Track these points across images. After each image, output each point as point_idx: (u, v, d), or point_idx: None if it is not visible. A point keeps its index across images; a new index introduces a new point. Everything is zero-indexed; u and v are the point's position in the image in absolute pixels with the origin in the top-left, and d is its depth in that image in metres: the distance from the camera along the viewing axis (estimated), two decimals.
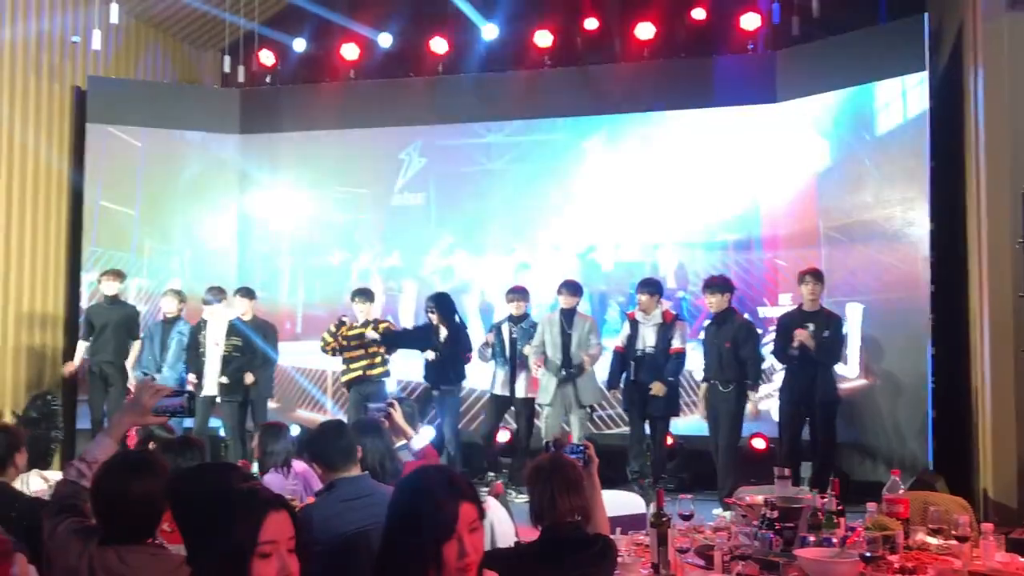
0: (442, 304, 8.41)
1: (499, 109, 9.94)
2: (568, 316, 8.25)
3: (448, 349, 8.32)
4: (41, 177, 9.41)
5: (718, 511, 6.41)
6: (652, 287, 8.04)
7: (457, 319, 8.48)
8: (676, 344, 7.88)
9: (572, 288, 8.32)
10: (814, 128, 8.85)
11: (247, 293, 8.92)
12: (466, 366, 8.50)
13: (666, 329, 7.90)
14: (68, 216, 9.72)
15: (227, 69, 9.97)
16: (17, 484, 5.48)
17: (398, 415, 4.88)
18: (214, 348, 8.74)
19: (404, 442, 5.15)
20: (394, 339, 8.61)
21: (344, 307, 9.17)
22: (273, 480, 5.42)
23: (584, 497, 3.28)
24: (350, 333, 8.68)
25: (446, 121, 10.08)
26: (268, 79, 10.50)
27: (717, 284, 7.81)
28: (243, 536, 1.98)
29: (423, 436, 4.59)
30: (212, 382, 8.72)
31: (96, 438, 3.09)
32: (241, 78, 10.00)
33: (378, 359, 8.66)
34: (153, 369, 8.75)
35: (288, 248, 10.43)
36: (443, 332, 8.35)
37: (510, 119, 9.95)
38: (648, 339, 7.91)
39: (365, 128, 10.26)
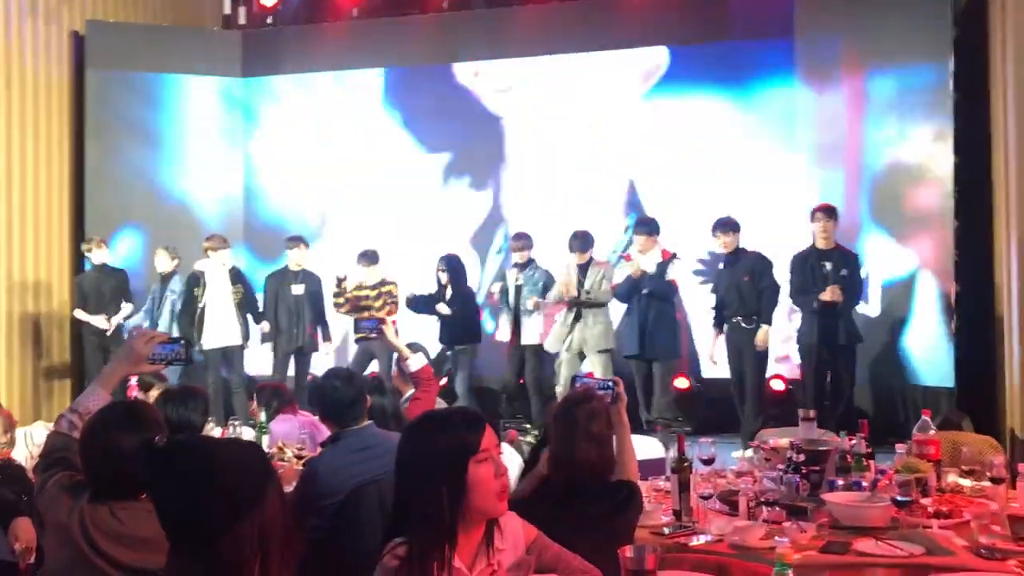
0: (452, 265, 8.39)
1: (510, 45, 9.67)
2: (582, 268, 8.10)
3: (458, 308, 8.32)
4: (41, 127, 9.21)
5: (737, 454, 6.32)
6: (649, 227, 7.86)
7: (466, 281, 8.51)
8: (671, 276, 7.74)
9: (583, 240, 8.09)
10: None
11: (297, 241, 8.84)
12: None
13: (664, 267, 7.74)
14: (70, 168, 9.54)
15: (227, 11, 9.74)
16: (21, 436, 5.43)
17: (390, 332, 4.72)
18: (216, 299, 8.53)
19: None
20: (415, 305, 8.50)
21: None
22: (280, 427, 5.31)
23: (608, 437, 3.13)
24: (360, 293, 8.60)
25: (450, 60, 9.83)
26: (269, 20, 10.25)
27: (726, 224, 7.62)
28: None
29: (419, 358, 4.42)
30: (213, 335, 8.51)
31: (88, 388, 2.93)
32: (243, 20, 9.78)
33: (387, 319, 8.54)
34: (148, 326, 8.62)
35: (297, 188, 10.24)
36: (449, 292, 8.34)
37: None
38: (647, 280, 7.74)
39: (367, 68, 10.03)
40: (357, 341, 8.65)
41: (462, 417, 2.34)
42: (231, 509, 1.77)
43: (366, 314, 8.16)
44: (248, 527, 1.78)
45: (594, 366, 7.93)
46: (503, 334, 8.62)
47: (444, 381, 8.21)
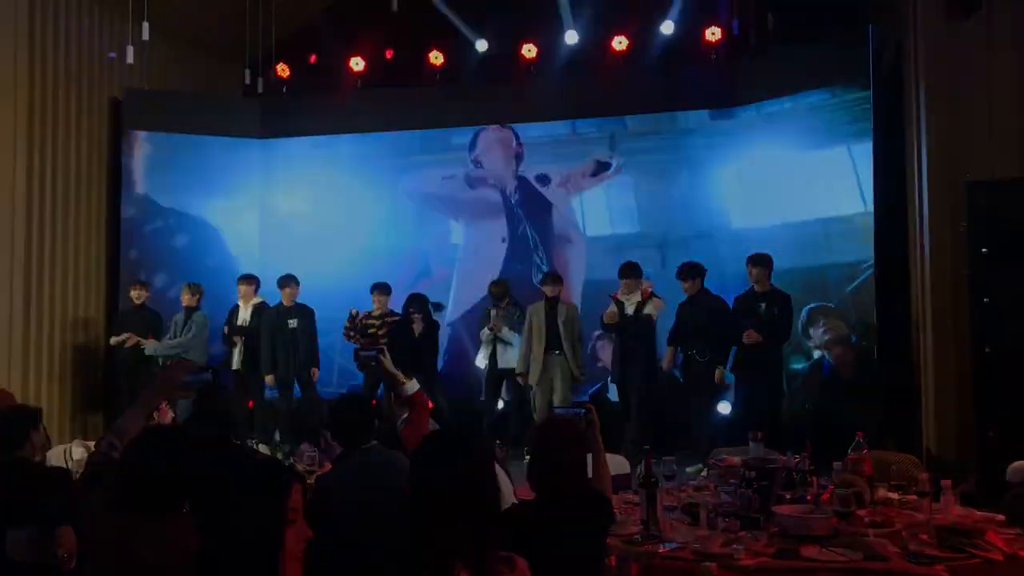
0: (421, 303, 8.48)
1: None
2: (552, 303, 8.10)
3: (425, 341, 8.41)
4: (83, 183, 9.12)
5: (692, 469, 6.29)
6: (634, 271, 7.85)
7: (431, 315, 8.57)
8: (647, 311, 7.71)
9: (553, 278, 8.23)
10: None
11: (289, 280, 8.74)
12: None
13: (643, 304, 7.74)
14: (107, 218, 9.43)
15: (247, 81, 9.72)
16: (59, 453, 5.30)
17: (388, 361, 4.64)
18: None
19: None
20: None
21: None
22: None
23: (582, 458, 3.07)
24: (367, 323, 8.56)
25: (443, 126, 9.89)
26: (284, 89, 10.25)
27: (687, 271, 7.65)
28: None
29: (414, 384, 4.36)
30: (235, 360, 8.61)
31: (126, 412, 2.86)
32: (260, 89, 9.76)
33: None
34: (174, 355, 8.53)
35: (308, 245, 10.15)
36: (419, 327, 8.37)
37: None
38: (629, 315, 7.74)
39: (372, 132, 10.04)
40: (360, 369, 8.56)
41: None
42: None
43: (363, 342, 8.23)
44: None
45: (558, 394, 7.89)
46: (481, 361, 8.61)
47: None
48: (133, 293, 8.69)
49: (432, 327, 8.57)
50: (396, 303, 8.73)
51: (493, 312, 8.52)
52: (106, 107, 9.45)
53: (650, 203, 9.30)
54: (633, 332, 7.69)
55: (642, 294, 7.77)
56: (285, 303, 8.67)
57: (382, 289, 8.67)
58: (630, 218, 9.42)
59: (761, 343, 7.23)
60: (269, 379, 8.61)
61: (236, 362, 8.63)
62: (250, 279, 8.80)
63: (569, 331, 8.05)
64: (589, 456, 3.26)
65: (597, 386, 8.97)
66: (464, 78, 9.93)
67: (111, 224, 9.46)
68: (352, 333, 8.61)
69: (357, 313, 8.62)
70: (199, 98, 10.29)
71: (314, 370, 8.67)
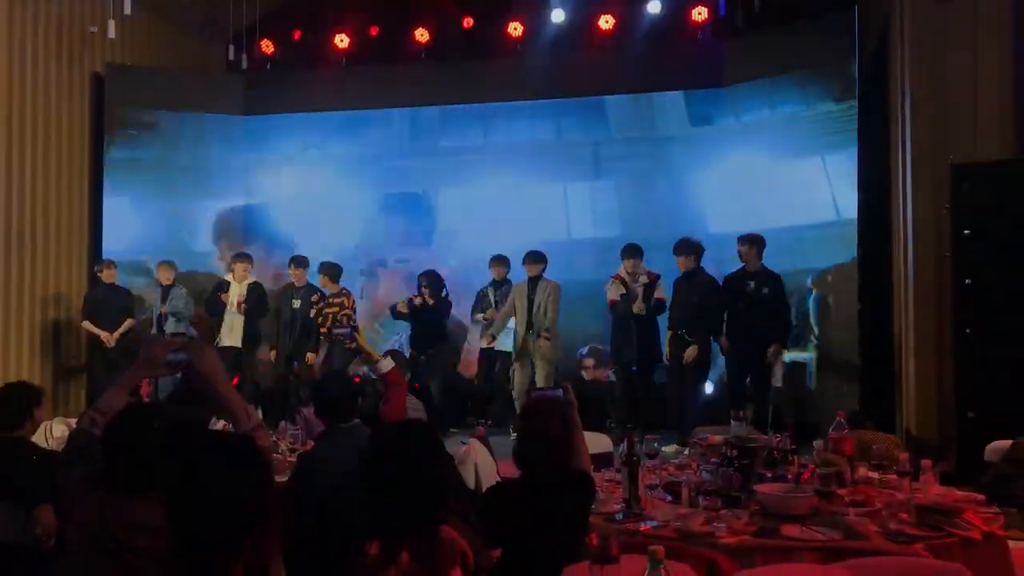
0: (432, 280, 8.34)
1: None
2: (533, 283, 8.07)
3: (434, 317, 8.30)
4: (64, 158, 9.00)
5: (669, 448, 6.29)
6: (638, 251, 7.81)
7: (444, 294, 8.42)
8: (658, 295, 7.70)
9: (534, 257, 8.12)
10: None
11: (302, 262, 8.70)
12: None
13: (651, 287, 7.71)
14: (89, 195, 9.31)
15: (231, 57, 9.61)
16: (40, 431, 5.25)
17: (362, 339, 4.62)
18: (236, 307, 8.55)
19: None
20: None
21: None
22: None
23: (565, 437, 3.05)
24: (328, 311, 8.49)
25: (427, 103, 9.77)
26: (268, 65, 10.12)
27: (683, 247, 7.61)
28: None
29: (387, 362, 4.32)
30: (235, 337, 8.56)
31: (109, 389, 2.82)
32: (244, 65, 9.64)
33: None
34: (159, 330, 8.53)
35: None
36: (431, 302, 8.28)
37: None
38: (637, 295, 7.70)
39: (356, 109, 9.92)
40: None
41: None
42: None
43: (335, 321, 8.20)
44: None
45: (537, 377, 7.89)
46: (478, 340, 8.55)
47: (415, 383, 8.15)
48: (103, 274, 8.57)
49: (444, 305, 8.42)
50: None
51: (492, 293, 8.44)
52: (88, 82, 9.32)
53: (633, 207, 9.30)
54: (645, 315, 7.67)
55: (649, 277, 7.75)
56: (296, 283, 8.65)
57: (327, 270, 8.53)
58: (612, 221, 9.39)
59: (751, 317, 7.21)
60: (271, 355, 8.66)
61: (226, 337, 8.54)
62: (246, 257, 8.76)
63: (546, 311, 7.98)
64: None
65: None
66: (449, 56, 9.82)
67: (92, 200, 9.36)
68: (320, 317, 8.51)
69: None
70: (182, 74, 10.16)
71: (310, 354, 8.57)
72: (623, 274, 7.79)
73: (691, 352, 7.40)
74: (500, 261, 8.51)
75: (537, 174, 9.50)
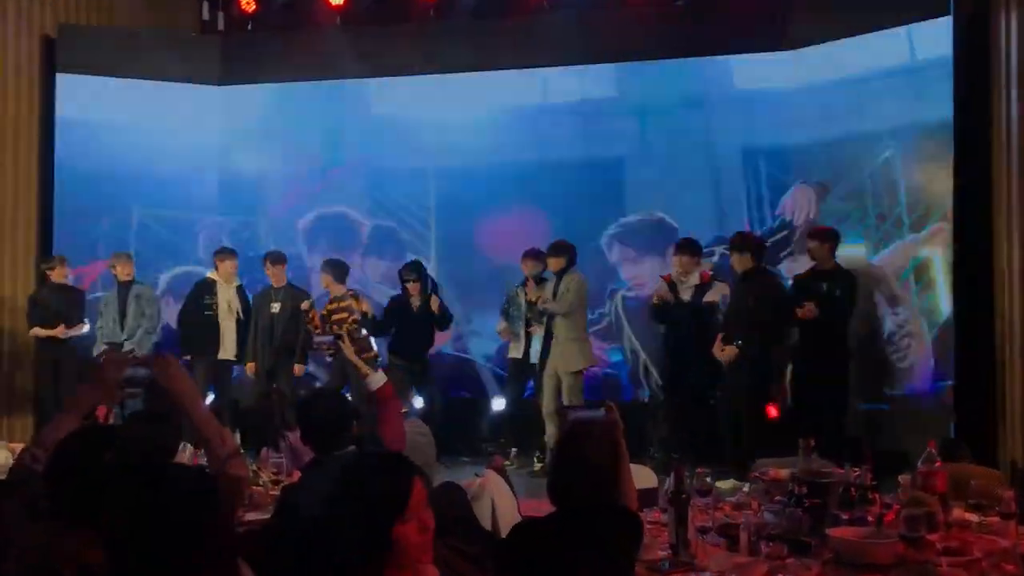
0: (421, 272, 8.44)
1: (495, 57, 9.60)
2: (558, 278, 8.16)
3: (425, 317, 8.36)
4: (7, 136, 9.09)
5: (724, 484, 6.25)
6: (691, 248, 7.81)
7: (432, 287, 8.52)
8: (709, 298, 7.70)
9: (558, 248, 8.18)
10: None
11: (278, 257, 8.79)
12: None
13: (702, 289, 7.73)
14: (38, 176, 9.40)
15: (205, 16, 9.66)
16: None
17: (348, 348, 4.62)
18: (223, 312, 8.67)
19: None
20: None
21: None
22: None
23: (609, 468, 3.05)
24: (334, 314, 8.45)
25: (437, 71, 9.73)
26: (249, 26, 10.16)
27: (738, 243, 7.55)
28: None
29: (380, 376, 4.31)
30: (228, 348, 8.70)
31: (54, 419, 2.83)
32: (221, 25, 9.69)
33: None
34: (117, 339, 8.60)
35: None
36: (417, 301, 8.32)
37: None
38: (685, 300, 7.74)
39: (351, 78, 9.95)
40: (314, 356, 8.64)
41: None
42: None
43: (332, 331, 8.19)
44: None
45: (564, 389, 7.87)
46: (516, 351, 8.42)
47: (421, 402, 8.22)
48: (52, 273, 8.60)
49: (433, 301, 8.43)
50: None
51: (522, 293, 8.32)
52: (36, 46, 9.40)
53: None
54: (689, 321, 7.68)
55: (701, 278, 7.75)
56: (274, 284, 8.72)
57: (334, 267, 8.53)
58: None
59: (821, 322, 7.18)
60: (250, 367, 8.73)
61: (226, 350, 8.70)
62: (231, 253, 8.81)
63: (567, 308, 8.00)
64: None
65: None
66: (462, 15, 9.82)
67: (42, 187, 9.43)
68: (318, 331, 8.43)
69: (311, 307, 8.56)
70: (147, 36, 10.17)
71: (297, 366, 8.65)
72: (673, 276, 7.77)
73: (729, 352, 7.33)
74: (533, 255, 8.34)
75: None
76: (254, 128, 10.14)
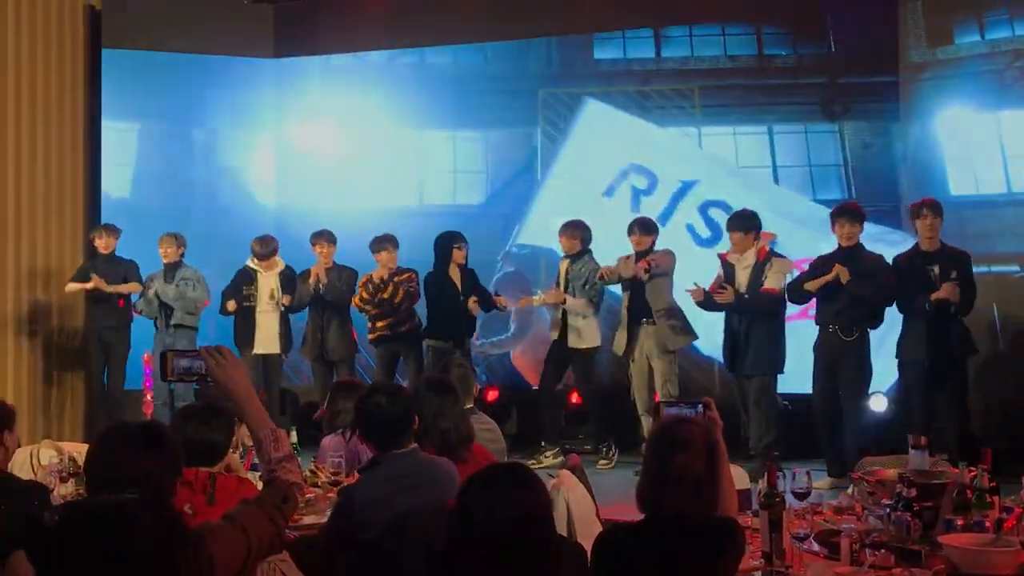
0: (459, 240, 8.37)
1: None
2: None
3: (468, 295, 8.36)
4: (53, 110, 9.31)
5: (823, 484, 6.18)
6: (745, 222, 7.58)
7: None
8: (768, 284, 7.41)
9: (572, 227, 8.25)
10: None
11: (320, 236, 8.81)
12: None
13: (759, 268, 7.46)
14: (84, 155, 9.64)
15: None
16: (27, 458, 5.41)
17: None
18: (263, 303, 8.76)
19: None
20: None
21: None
22: (330, 443, 5.21)
23: (707, 478, 3.00)
24: (375, 292, 8.49)
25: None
26: None
27: (848, 211, 7.27)
28: None
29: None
30: (266, 339, 8.76)
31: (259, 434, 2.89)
32: None
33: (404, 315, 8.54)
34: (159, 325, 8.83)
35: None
36: (459, 275, 8.32)
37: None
38: (742, 283, 7.50)
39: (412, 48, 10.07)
40: (372, 342, 8.63)
41: None
42: None
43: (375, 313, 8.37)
44: None
45: (655, 378, 7.81)
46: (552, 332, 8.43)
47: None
48: (99, 242, 8.87)
49: (471, 275, 8.42)
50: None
51: (567, 268, 8.25)
52: (81, 19, 9.62)
53: None
54: (748, 308, 7.47)
55: (758, 254, 7.50)
56: (323, 263, 8.75)
57: (385, 243, 8.51)
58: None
59: (950, 305, 6.87)
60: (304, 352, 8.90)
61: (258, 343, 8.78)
62: (270, 241, 8.86)
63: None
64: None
65: None
66: None
67: (90, 162, 9.68)
68: (367, 307, 8.51)
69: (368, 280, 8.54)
70: (197, 7, 10.32)
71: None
72: (730, 257, 7.61)
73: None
74: (573, 228, 8.26)
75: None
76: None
